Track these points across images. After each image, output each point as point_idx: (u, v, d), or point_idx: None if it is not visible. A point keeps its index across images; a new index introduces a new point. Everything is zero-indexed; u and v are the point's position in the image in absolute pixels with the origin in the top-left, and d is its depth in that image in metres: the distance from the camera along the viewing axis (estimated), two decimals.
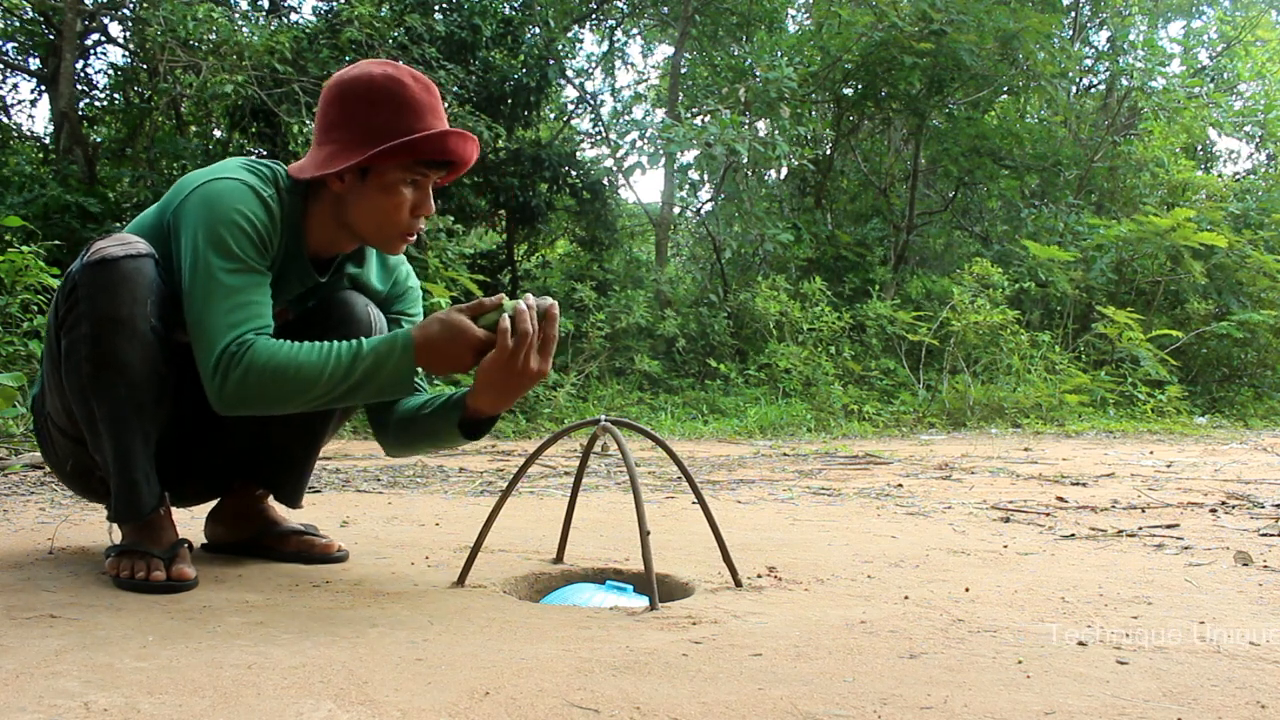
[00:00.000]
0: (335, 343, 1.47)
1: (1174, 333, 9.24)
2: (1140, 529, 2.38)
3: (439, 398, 1.64)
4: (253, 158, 1.66)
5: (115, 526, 1.61)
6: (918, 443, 5.90)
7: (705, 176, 11.98)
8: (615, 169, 11.21)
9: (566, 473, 3.65)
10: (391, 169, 1.55)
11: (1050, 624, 1.43)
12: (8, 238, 4.89)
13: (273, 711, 0.99)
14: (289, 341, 1.47)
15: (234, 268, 1.48)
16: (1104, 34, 13.02)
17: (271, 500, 1.90)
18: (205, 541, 1.91)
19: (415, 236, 1.64)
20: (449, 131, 1.56)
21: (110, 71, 9.14)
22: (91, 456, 1.58)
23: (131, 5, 8.01)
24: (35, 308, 4.54)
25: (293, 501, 1.87)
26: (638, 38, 14.13)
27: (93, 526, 2.12)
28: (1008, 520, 2.56)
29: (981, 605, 1.55)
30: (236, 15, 8.02)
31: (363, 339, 1.49)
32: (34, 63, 8.97)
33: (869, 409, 7.47)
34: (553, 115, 11.61)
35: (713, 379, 8.30)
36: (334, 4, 7.82)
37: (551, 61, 9.08)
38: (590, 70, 13.11)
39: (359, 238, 1.64)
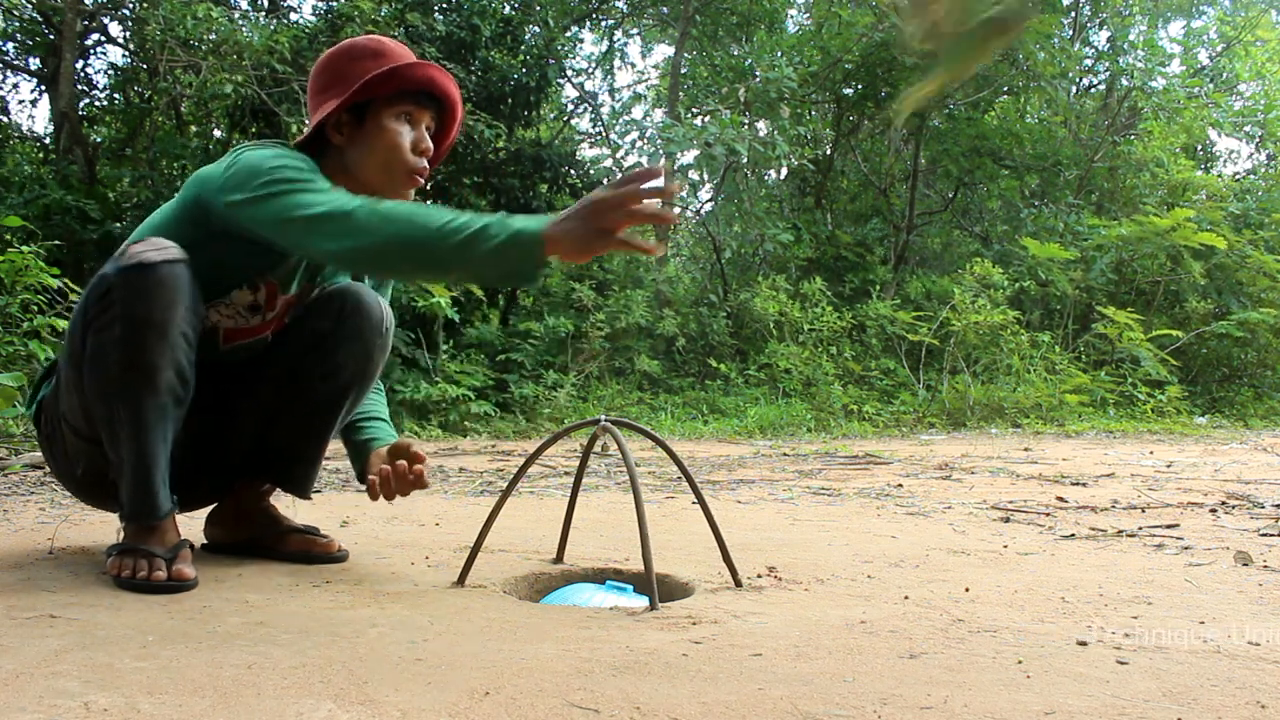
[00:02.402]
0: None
1: (1174, 333, 9.23)
2: (1140, 529, 2.38)
3: (365, 431, 1.82)
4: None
5: (117, 526, 1.61)
6: (918, 443, 5.90)
7: (705, 176, 11.98)
8: (615, 169, 11.21)
9: (566, 473, 3.65)
10: (382, 107, 1.62)
11: (1050, 624, 1.43)
12: (8, 238, 4.88)
13: (273, 711, 0.99)
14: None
15: (306, 180, 1.49)
16: (1104, 34, 13.02)
17: (273, 498, 1.91)
18: (205, 542, 1.91)
19: (423, 178, 1.68)
20: (428, 64, 1.64)
21: (110, 71, 9.16)
22: (105, 457, 1.58)
23: (131, 5, 8.02)
24: (35, 308, 4.54)
25: (302, 492, 1.87)
26: (637, 38, 14.14)
27: (93, 526, 2.12)
28: (1008, 520, 2.56)
29: (981, 605, 1.55)
30: (236, 15, 8.02)
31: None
32: (34, 63, 8.98)
33: (869, 409, 7.47)
34: (552, 115, 11.61)
35: (713, 379, 8.30)
36: (333, 3, 7.82)
37: (551, 61, 9.08)
38: (590, 70, 13.12)
39: (368, 191, 1.63)
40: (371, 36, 1.68)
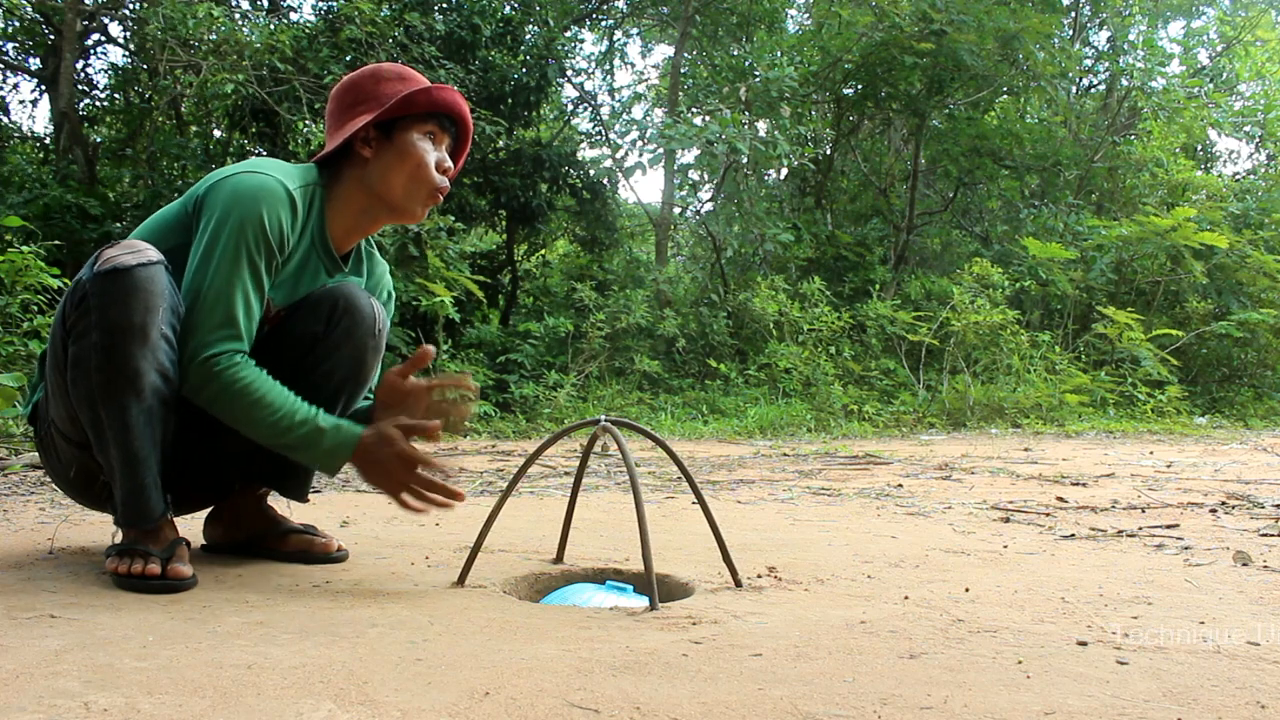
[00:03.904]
0: (298, 402, 1.57)
1: (1174, 332, 9.23)
2: (1140, 529, 2.38)
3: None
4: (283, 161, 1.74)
5: (117, 528, 1.61)
6: (918, 443, 5.90)
7: (705, 176, 11.98)
8: (615, 169, 11.21)
9: (566, 473, 3.65)
10: (411, 125, 1.69)
11: (1050, 624, 1.43)
12: (8, 238, 4.89)
13: (273, 711, 0.99)
14: (265, 376, 1.57)
15: (246, 269, 1.56)
16: (1104, 34, 13.02)
17: (272, 499, 1.90)
18: (205, 543, 1.91)
19: (443, 197, 1.75)
20: (452, 88, 1.74)
21: (110, 71, 9.15)
22: (95, 461, 1.58)
23: (131, 5, 8.02)
24: (35, 308, 4.54)
25: (299, 495, 1.87)
26: (637, 38, 14.13)
27: (93, 526, 2.12)
28: (1008, 520, 2.56)
29: (981, 605, 1.55)
30: (236, 14, 8.02)
31: (322, 414, 1.58)
32: (34, 63, 8.97)
33: (869, 409, 7.46)
34: (553, 115, 11.61)
35: (713, 379, 8.30)
36: (334, 3, 7.82)
37: (551, 61, 9.08)
38: (590, 70, 13.11)
39: (389, 206, 1.72)
40: (393, 64, 1.78)
